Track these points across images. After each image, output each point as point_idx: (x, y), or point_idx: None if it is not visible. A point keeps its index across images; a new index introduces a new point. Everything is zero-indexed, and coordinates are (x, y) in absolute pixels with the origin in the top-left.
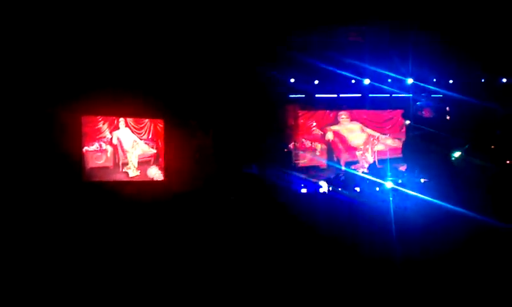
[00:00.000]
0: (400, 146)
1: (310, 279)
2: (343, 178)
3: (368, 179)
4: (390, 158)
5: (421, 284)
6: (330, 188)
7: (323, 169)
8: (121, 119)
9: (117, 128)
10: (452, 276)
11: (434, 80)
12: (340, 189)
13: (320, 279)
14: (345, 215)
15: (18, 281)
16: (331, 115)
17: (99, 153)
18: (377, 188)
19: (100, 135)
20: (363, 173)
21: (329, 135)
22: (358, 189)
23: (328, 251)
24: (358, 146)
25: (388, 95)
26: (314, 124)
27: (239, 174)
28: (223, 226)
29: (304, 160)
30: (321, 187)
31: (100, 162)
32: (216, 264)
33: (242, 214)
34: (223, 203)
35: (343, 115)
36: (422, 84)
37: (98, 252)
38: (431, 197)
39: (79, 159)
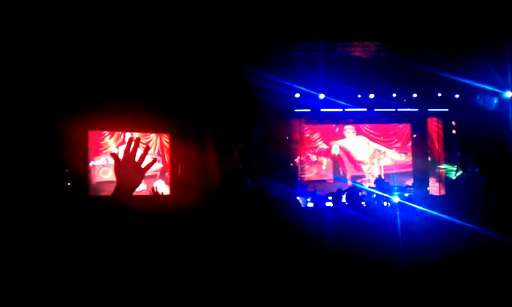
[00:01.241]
0: (406, 160)
1: (315, 293)
2: (345, 192)
3: (374, 193)
4: (396, 173)
5: (426, 295)
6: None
7: (329, 184)
8: (128, 134)
9: (123, 142)
10: (457, 289)
11: (439, 94)
12: (343, 204)
13: (325, 292)
14: (349, 230)
15: (20, 295)
16: (337, 129)
17: (106, 168)
18: (386, 203)
19: (107, 150)
20: (369, 187)
21: (335, 150)
22: (364, 204)
23: (332, 265)
24: (364, 160)
25: (394, 109)
26: (320, 138)
27: (241, 188)
28: (229, 241)
29: (310, 174)
30: (328, 201)
31: (107, 177)
32: (223, 282)
33: (246, 229)
34: (233, 218)
35: (349, 129)
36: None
37: (104, 266)
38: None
39: (85, 173)
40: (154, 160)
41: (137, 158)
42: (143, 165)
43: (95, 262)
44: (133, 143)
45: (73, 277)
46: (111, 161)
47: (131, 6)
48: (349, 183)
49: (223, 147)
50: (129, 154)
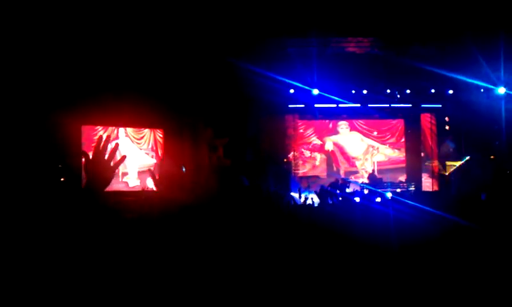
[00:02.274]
0: (399, 156)
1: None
2: (328, 189)
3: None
4: (389, 168)
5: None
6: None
7: (323, 179)
8: (121, 129)
9: (117, 138)
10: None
11: (433, 90)
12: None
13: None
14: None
15: (16, 290)
16: (331, 125)
17: None
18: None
19: None
20: (362, 183)
21: (329, 145)
22: (357, 199)
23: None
24: (358, 156)
25: (387, 105)
26: (313, 134)
27: (236, 186)
28: (224, 237)
29: (303, 170)
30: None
31: None
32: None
33: (242, 225)
34: (225, 215)
35: (342, 125)
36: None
37: (98, 262)
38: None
39: (78, 169)
40: (123, 158)
41: (106, 157)
42: (112, 163)
43: (88, 257)
44: (102, 142)
45: (67, 272)
46: None
47: (124, 4)
48: (341, 178)
49: (208, 143)
50: (98, 152)
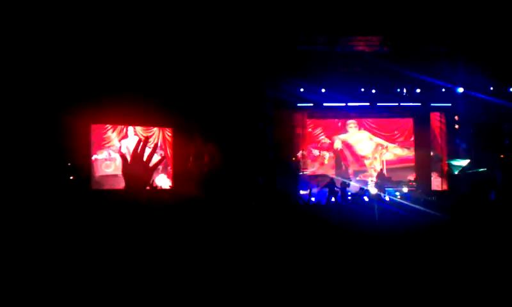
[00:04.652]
0: (409, 155)
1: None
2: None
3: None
4: (398, 167)
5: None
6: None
7: (331, 178)
8: (130, 128)
9: (126, 136)
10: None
11: (443, 90)
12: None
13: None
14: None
15: (21, 289)
16: (340, 124)
17: (108, 162)
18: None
19: (109, 144)
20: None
21: (338, 144)
22: (366, 198)
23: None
24: (367, 155)
25: (397, 104)
26: (322, 133)
27: (249, 184)
28: (233, 235)
29: (312, 168)
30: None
31: (109, 171)
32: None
33: (254, 222)
34: (239, 209)
35: (351, 124)
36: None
37: (107, 260)
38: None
39: (87, 167)
40: (162, 158)
41: (145, 158)
42: (151, 164)
43: (97, 256)
44: (141, 143)
45: (76, 271)
46: (114, 155)
47: (134, 4)
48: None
49: (195, 151)
50: (137, 154)
